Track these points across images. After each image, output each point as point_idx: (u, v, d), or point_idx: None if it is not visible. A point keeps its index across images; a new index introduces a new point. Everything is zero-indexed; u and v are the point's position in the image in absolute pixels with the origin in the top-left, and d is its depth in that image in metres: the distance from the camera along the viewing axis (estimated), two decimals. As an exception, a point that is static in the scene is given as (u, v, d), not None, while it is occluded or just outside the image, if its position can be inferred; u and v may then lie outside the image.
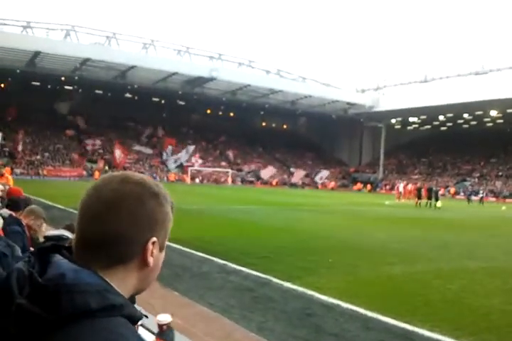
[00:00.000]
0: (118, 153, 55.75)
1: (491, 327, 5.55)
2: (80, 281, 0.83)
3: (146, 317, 1.21)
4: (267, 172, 64.30)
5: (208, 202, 25.41)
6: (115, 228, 0.91)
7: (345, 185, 67.62)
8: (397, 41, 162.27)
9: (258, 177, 65.00)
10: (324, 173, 66.14)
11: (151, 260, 0.95)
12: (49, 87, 62.02)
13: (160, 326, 1.73)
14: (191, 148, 61.36)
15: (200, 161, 62.66)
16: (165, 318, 1.74)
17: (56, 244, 0.94)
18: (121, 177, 0.97)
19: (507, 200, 49.37)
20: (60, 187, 32.38)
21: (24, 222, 4.21)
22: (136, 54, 52.37)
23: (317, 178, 66.31)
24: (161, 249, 0.98)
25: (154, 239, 0.95)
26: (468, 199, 42.22)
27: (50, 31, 50.43)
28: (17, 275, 0.85)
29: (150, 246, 0.94)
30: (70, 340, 0.79)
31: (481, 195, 43.99)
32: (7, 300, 0.82)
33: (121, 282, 0.93)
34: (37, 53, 46.54)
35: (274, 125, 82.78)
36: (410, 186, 40.47)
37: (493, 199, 51.75)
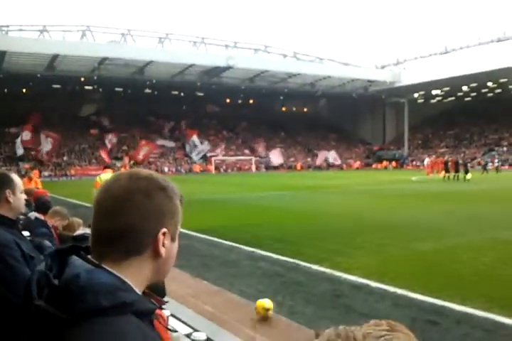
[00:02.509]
0: (145, 150, 55.89)
1: (525, 298, 5.48)
2: (92, 281, 0.88)
3: (161, 308, 1.24)
4: (275, 156, 63.68)
5: (233, 190, 25.51)
6: (126, 222, 0.97)
7: (369, 164, 67.09)
8: (413, 13, 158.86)
9: (282, 163, 64.85)
10: (332, 154, 65.20)
11: (162, 250, 1.00)
12: (70, 88, 62.96)
13: None
14: (211, 138, 61.57)
15: (222, 151, 62.95)
16: (199, 335, 1.81)
17: (73, 245, 1.00)
18: (129, 173, 1.04)
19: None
20: (87, 186, 32.90)
21: (50, 223, 4.33)
22: (152, 49, 52.61)
23: (331, 159, 65.01)
24: (172, 240, 1.03)
25: (164, 229, 1.00)
26: (484, 169, 41.65)
27: (66, 33, 50.99)
28: (38, 278, 0.91)
29: (161, 236, 0.99)
30: (80, 338, 0.84)
31: (496, 164, 43.63)
32: (27, 303, 0.89)
33: (136, 274, 0.98)
34: (55, 56, 47.11)
35: (294, 109, 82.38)
36: (437, 160, 40.03)
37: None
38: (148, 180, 1.02)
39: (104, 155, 53.88)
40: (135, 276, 0.98)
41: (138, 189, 0.99)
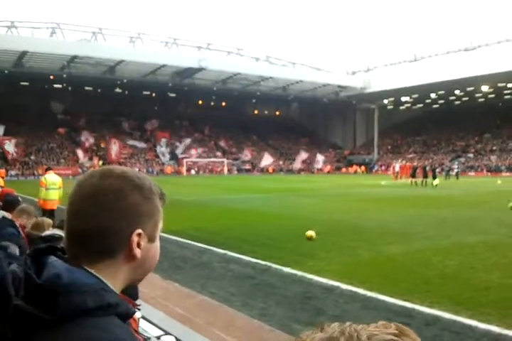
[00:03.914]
0: (114, 149, 55.43)
1: (490, 301, 5.59)
2: (76, 281, 0.84)
3: (139, 309, 1.21)
4: (265, 160, 64.52)
5: (205, 192, 25.43)
6: (95, 223, 0.92)
7: (340, 168, 67.85)
8: (385, 21, 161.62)
9: (254, 166, 65.09)
10: (320, 158, 66.12)
11: (137, 252, 0.94)
12: (38, 86, 61.66)
13: None
14: (188, 140, 61.31)
15: (194, 152, 62.74)
16: (168, 339, 1.79)
17: (50, 246, 0.95)
18: (102, 171, 0.98)
19: (503, 174, 50.01)
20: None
21: (17, 222, 4.20)
22: (124, 48, 51.83)
23: (316, 164, 66.03)
24: (150, 241, 0.98)
25: (139, 230, 0.94)
26: (447, 175, 42.66)
27: (36, 30, 49.87)
28: (11, 278, 0.85)
29: (135, 238, 0.94)
30: (66, 339, 0.79)
31: (456, 171, 44.83)
32: (3, 302, 0.82)
33: (112, 276, 0.93)
34: (24, 53, 46.09)
35: (266, 112, 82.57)
36: (406, 165, 40.86)
37: (488, 173, 52.46)
38: (121, 178, 0.95)
39: (80, 154, 53.59)
40: (111, 278, 0.93)
41: (109, 188, 0.93)
